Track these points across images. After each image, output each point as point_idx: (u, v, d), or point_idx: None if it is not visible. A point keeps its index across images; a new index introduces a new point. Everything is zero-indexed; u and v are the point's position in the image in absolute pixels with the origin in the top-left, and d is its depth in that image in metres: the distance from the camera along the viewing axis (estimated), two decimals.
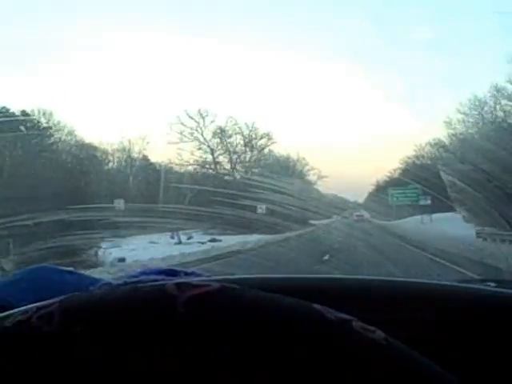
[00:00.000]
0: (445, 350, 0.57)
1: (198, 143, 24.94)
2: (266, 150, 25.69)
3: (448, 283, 0.74)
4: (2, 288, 0.78)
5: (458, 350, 0.61)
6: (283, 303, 0.49)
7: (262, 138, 25.32)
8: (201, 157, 24.97)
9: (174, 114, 24.73)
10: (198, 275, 0.81)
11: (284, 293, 0.51)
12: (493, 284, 0.78)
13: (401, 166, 27.24)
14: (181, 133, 24.25)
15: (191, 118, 24.55)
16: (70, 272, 0.85)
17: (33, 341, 0.50)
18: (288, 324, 0.46)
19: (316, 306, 0.48)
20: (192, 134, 24.93)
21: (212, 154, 25.20)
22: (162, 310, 0.49)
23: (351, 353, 0.44)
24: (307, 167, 28.52)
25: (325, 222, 23.57)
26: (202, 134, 24.52)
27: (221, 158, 25.80)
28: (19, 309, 0.58)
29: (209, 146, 24.97)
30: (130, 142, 24.07)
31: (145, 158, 24.29)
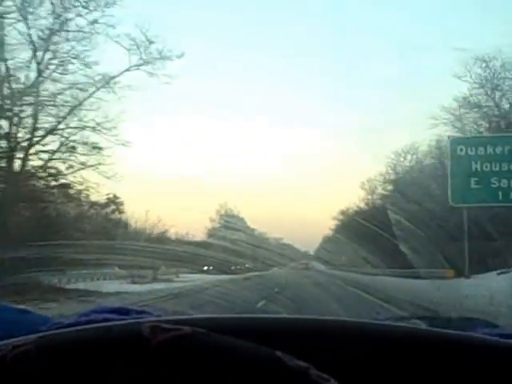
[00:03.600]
0: None
1: None
2: None
3: (380, 322, 0.77)
4: None
5: None
6: (248, 350, 0.53)
7: None
8: None
9: None
10: (149, 314, 0.82)
11: (240, 334, 0.56)
12: (425, 322, 0.81)
13: None
14: None
15: None
16: (23, 311, 0.85)
17: (6, 379, 0.51)
18: (251, 372, 0.51)
19: (278, 353, 0.53)
20: None
21: None
22: (134, 352, 0.53)
23: None
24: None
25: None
26: None
27: None
28: None
29: None
30: None
31: None
